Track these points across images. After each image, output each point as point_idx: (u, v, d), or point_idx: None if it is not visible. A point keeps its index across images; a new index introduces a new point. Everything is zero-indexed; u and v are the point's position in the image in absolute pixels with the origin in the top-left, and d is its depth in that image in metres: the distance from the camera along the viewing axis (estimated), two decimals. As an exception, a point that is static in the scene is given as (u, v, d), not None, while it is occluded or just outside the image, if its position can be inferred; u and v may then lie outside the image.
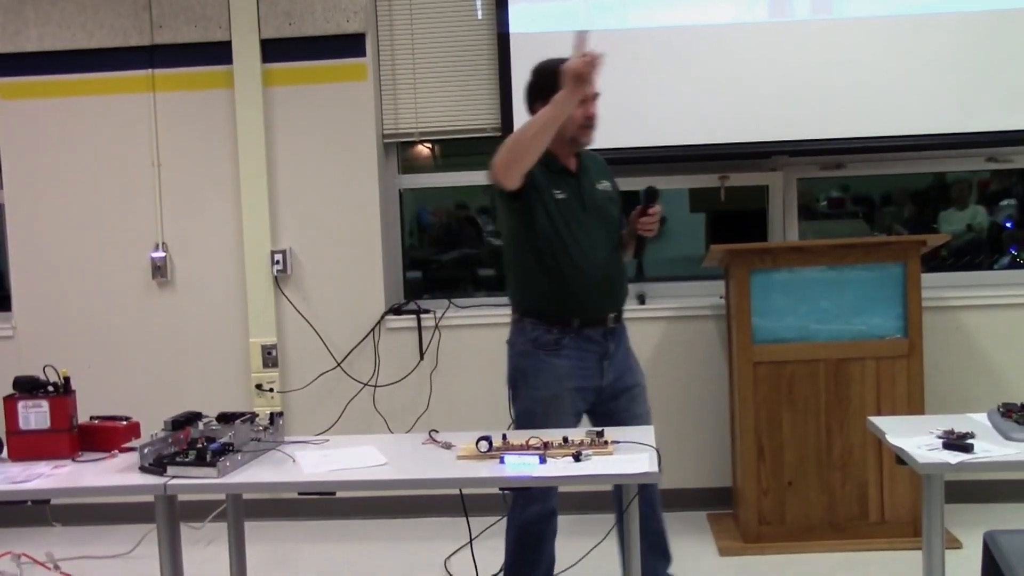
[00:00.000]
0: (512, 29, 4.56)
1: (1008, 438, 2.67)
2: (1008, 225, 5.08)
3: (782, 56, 4.48)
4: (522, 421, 3.22)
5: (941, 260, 4.89)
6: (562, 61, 2.96)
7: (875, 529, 4.13)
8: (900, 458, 2.68)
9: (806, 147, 4.56)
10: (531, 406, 3.22)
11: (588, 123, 3.21)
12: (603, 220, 3.30)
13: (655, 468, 2.55)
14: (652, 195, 3.29)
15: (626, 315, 4.63)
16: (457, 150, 5.02)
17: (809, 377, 4.13)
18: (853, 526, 4.13)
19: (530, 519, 3.30)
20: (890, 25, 4.43)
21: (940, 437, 2.63)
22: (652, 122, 4.53)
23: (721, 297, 4.53)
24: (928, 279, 4.30)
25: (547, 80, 3.12)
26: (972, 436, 2.62)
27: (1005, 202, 5.12)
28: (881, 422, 2.92)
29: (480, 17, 4.72)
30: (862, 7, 4.46)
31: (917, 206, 5.33)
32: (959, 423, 2.74)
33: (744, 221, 4.96)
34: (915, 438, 2.67)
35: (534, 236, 3.17)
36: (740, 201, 4.84)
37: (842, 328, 4.13)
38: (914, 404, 4.08)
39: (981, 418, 2.86)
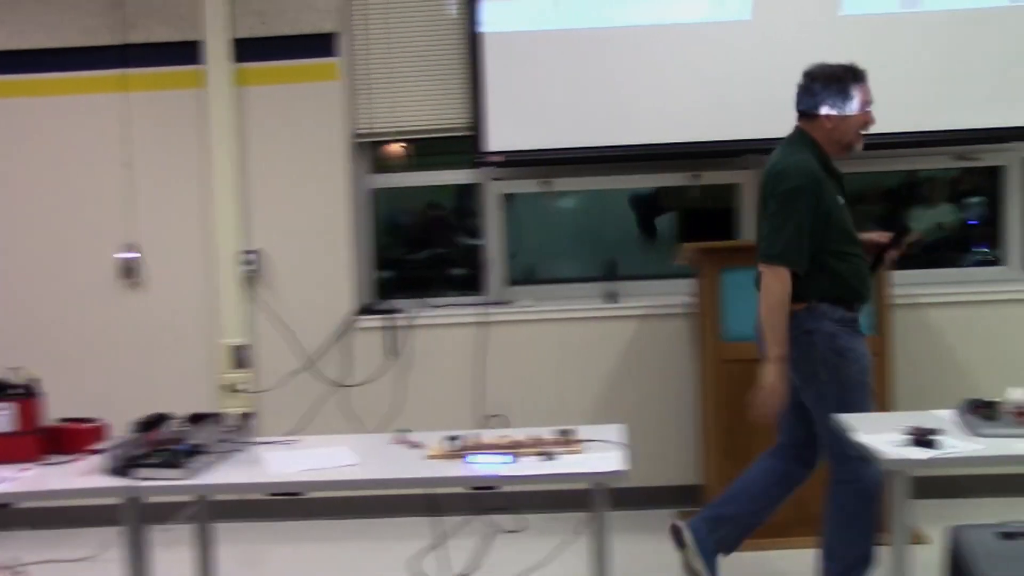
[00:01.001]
0: (485, 29, 4.55)
1: (975, 434, 2.69)
2: (973, 223, 5.11)
3: (754, 55, 4.49)
4: (850, 396, 3.22)
5: (911, 257, 4.90)
6: (844, 68, 3.29)
7: (846, 525, 4.13)
8: (868, 455, 2.69)
9: (777, 145, 4.57)
10: (858, 375, 3.28)
11: (866, 129, 3.36)
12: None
13: (624, 467, 2.56)
14: (906, 232, 3.57)
15: (597, 314, 4.69)
16: (430, 149, 5.00)
17: (779, 375, 4.14)
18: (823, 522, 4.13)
19: (875, 478, 3.21)
20: (860, 24, 4.45)
21: (908, 434, 2.65)
22: (624, 120, 4.54)
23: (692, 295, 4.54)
24: (897, 276, 4.32)
25: (835, 85, 3.31)
26: (940, 432, 2.64)
27: (974, 199, 5.15)
28: (849, 418, 2.93)
29: (455, 14, 4.70)
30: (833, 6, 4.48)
31: (888, 204, 5.36)
32: (927, 419, 2.76)
33: (712, 219, 4.98)
34: (883, 435, 2.68)
35: (832, 234, 3.28)
36: (709, 199, 4.86)
37: (812, 326, 4.14)
38: (883, 401, 4.09)
39: (949, 414, 2.88)
